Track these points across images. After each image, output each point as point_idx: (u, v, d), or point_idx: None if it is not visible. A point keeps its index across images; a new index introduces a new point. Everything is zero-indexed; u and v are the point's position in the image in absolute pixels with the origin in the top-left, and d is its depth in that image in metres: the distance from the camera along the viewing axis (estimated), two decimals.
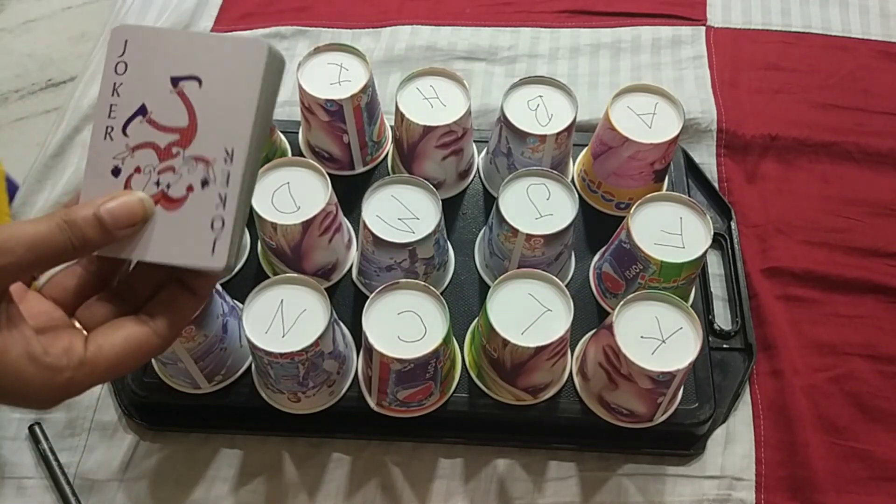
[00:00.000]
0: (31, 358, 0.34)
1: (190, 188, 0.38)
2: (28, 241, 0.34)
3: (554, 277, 0.55)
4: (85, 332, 0.37)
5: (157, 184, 0.38)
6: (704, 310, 0.65)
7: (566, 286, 0.55)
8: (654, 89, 0.64)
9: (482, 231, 0.66)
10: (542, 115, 0.63)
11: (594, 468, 0.60)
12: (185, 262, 0.38)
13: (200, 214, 0.38)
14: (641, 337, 0.53)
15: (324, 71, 0.64)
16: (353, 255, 0.65)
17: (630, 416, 0.57)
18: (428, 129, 0.62)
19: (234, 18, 0.88)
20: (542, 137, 0.62)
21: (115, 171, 0.39)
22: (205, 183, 0.38)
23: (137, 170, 0.39)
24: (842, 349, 0.65)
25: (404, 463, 0.60)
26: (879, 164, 0.75)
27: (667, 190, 0.69)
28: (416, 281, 0.55)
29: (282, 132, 0.71)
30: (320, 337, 0.51)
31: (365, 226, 0.57)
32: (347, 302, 0.64)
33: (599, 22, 0.86)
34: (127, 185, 0.39)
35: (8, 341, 0.34)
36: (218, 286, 0.57)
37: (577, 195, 0.59)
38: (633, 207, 0.58)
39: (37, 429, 0.61)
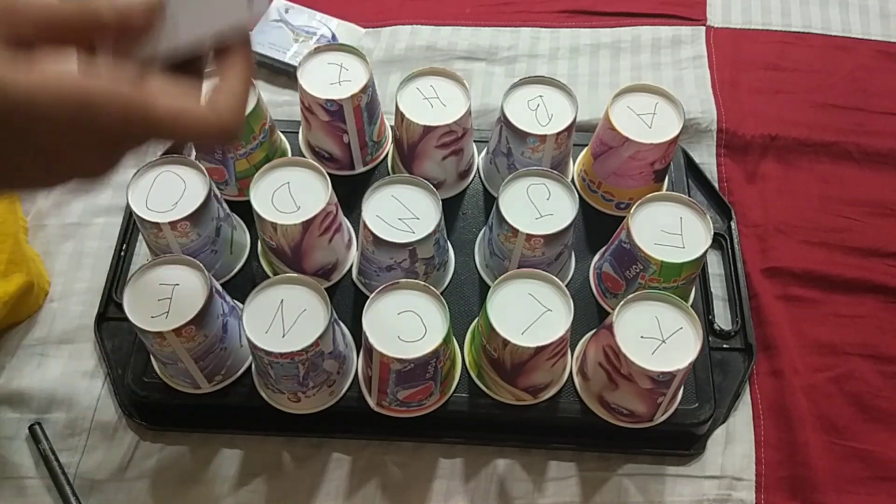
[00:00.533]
0: (84, 75, 0.31)
1: None
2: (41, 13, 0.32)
3: (554, 277, 0.55)
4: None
5: None
6: (704, 310, 0.65)
7: (566, 286, 0.55)
8: (654, 89, 0.64)
9: (482, 231, 0.66)
10: (542, 115, 0.63)
11: (594, 468, 0.60)
12: (224, 24, 0.36)
13: None
14: (641, 337, 0.53)
15: (324, 71, 0.64)
16: (353, 255, 0.65)
17: (630, 416, 0.57)
18: (428, 129, 0.62)
19: None
20: (542, 137, 0.62)
21: None
22: None
23: None
24: (842, 349, 0.65)
25: (404, 463, 0.60)
26: (879, 164, 0.75)
27: (667, 190, 0.69)
28: (416, 281, 0.55)
29: (282, 132, 0.71)
30: (320, 337, 0.51)
31: (365, 226, 0.57)
32: (347, 302, 0.64)
33: (599, 22, 0.86)
34: None
35: (52, 65, 0.31)
36: (218, 286, 0.57)
37: (577, 195, 0.59)
38: (633, 207, 0.58)
39: (37, 429, 0.61)
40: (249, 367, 0.60)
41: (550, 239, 0.57)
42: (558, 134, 0.62)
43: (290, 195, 0.58)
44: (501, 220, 0.58)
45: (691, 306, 0.55)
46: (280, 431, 0.61)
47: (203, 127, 0.34)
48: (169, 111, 0.33)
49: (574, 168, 0.71)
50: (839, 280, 0.68)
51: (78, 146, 0.32)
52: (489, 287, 0.55)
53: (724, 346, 0.64)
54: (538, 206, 0.59)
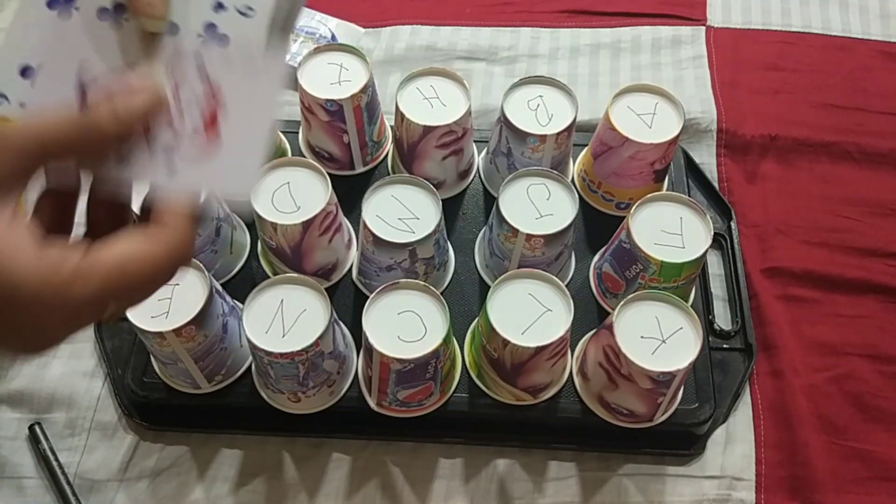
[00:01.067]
0: (24, 255, 0.29)
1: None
2: (35, 130, 0.30)
3: (554, 277, 0.55)
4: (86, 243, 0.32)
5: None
6: (704, 310, 0.65)
7: (566, 286, 0.55)
8: (654, 89, 0.64)
9: (482, 231, 0.66)
10: (542, 115, 0.63)
11: (594, 468, 0.60)
12: (214, 189, 0.36)
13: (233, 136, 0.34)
14: (641, 337, 0.53)
15: (324, 71, 0.64)
16: (353, 255, 0.65)
17: (630, 416, 0.57)
18: (428, 129, 0.62)
19: None
20: (542, 137, 0.62)
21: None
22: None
23: None
24: (842, 349, 0.65)
25: (404, 463, 0.60)
26: (879, 164, 0.75)
27: (667, 190, 0.69)
28: (416, 281, 0.55)
29: (282, 132, 0.71)
30: (320, 337, 0.51)
31: (365, 226, 0.57)
32: (347, 302, 0.64)
33: (599, 22, 0.86)
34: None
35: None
36: (218, 286, 0.57)
37: (577, 195, 0.59)
38: (633, 207, 0.58)
39: (37, 429, 0.61)
40: (249, 367, 0.60)
41: (550, 239, 0.57)
42: (558, 134, 0.62)
43: (290, 195, 0.58)
44: (501, 220, 0.58)
45: (691, 306, 0.55)
46: (280, 431, 0.61)
47: (160, 258, 0.32)
48: (108, 273, 0.31)
49: (574, 168, 0.71)
50: (839, 280, 0.68)
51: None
52: (489, 287, 0.55)
53: (724, 346, 0.64)
54: (538, 206, 0.59)
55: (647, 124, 0.63)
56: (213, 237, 0.60)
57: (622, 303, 0.54)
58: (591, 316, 0.63)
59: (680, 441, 0.60)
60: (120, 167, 0.34)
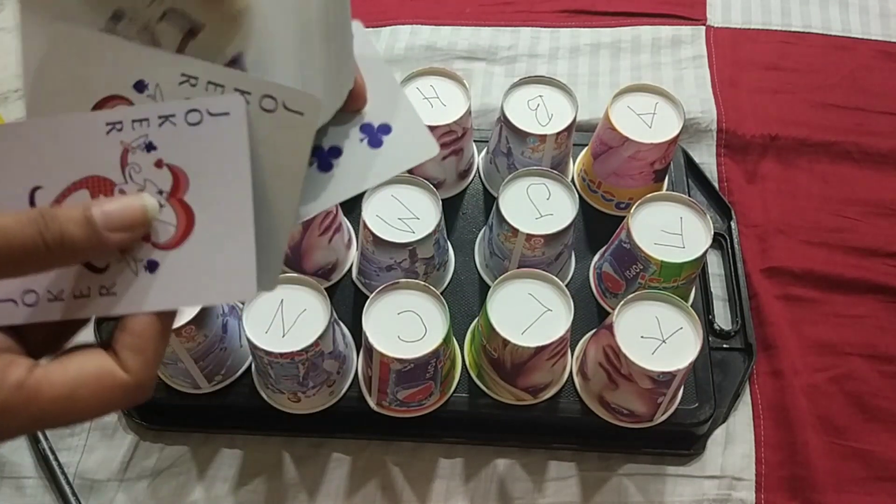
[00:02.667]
0: None
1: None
2: None
3: (554, 277, 0.55)
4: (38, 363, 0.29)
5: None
6: (704, 310, 0.65)
7: (566, 286, 0.55)
8: (654, 89, 0.64)
9: (482, 231, 0.66)
10: (542, 114, 0.63)
11: (594, 468, 0.60)
12: (209, 300, 0.30)
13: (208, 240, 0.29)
14: (641, 337, 0.53)
15: None
16: (353, 255, 0.65)
17: (630, 416, 0.57)
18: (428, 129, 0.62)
19: None
20: (542, 137, 0.62)
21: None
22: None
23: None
24: (842, 349, 0.65)
25: (404, 463, 0.60)
26: (879, 164, 0.75)
27: (667, 190, 0.69)
28: (416, 281, 0.55)
29: None
30: (320, 337, 0.51)
31: (365, 226, 0.57)
32: (347, 302, 0.64)
33: (599, 22, 0.86)
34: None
35: None
36: None
37: (577, 195, 0.59)
38: (633, 207, 0.58)
39: None
40: (249, 367, 0.60)
41: (550, 239, 0.57)
42: (558, 134, 0.62)
43: None
44: (501, 220, 0.58)
45: (691, 306, 0.55)
46: (280, 431, 0.61)
47: (116, 388, 0.28)
48: (57, 396, 0.27)
49: (574, 168, 0.71)
50: (839, 280, 0.68)
51: None
52: (489, 287, 0.55)
53: (724, 346, 0.64)
54: (538, 206, 0.59)
55: (647, 124, 0.63)
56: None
57: (622, 303, 0.54)
58: (591, 316, 0.63)
59: (680, 441, 0.60)
60: (98, 297, 0.29)
